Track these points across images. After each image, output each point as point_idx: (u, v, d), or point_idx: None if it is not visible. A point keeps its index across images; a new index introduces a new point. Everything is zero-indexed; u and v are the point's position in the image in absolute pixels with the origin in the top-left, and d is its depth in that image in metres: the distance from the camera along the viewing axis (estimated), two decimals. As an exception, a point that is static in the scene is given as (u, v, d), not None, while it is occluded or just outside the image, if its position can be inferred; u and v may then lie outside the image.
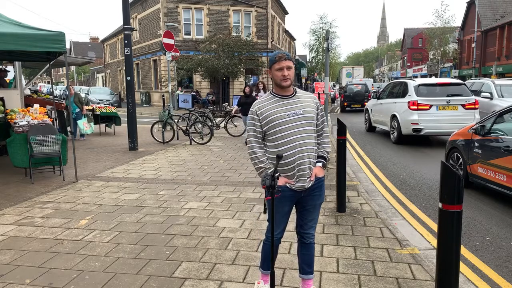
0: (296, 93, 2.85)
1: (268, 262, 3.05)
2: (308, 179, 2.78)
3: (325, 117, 2.97)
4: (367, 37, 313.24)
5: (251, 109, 2.86)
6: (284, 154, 2.71)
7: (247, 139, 2.88)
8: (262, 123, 2.78)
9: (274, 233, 2.93)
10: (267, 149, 2.82)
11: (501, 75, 32.68)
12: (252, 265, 3.65)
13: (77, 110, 11.93)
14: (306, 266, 3.03)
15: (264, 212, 2.91)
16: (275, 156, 2.76)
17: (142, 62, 33.87)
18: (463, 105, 10.39)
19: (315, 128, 2.86)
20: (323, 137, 2.95)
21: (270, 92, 2.87)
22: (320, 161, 2.88)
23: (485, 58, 36.60)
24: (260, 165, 2.78)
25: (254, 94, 11.59)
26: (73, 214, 5.16)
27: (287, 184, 2.77)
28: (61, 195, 6.04)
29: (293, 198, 2.84)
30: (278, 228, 2.90)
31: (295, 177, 2.76)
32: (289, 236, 4.09)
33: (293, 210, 2.99)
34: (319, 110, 2.89)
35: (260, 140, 2.83)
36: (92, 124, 12.66)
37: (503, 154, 5.44)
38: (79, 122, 11.98)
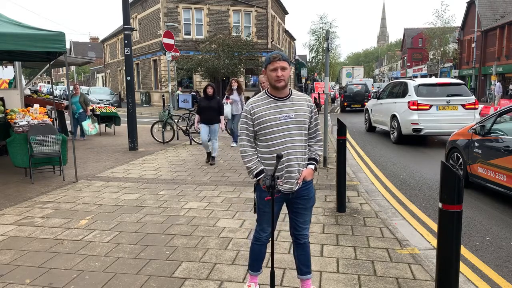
0: (291, 95, 2.83)
1: (258, 262, 3.06)
2: (296, 182, 2.79)
3: (319, 120, 2.94)
4: (367, 37, 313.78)
5: (244, 107, 2.85)
6: (274, 155, 2.73)
7: (240, 137, 2.87)
8: (255, 123, 2.78)
9: (263, 234, 2.95)
10: (258, 149, 2.84)
11: (501, 75, 32.70)
12: (252, 265, 3.65)
13: (81, 110, 11.92)
14: (303, 267, 3.04)
15: (254, 212, 2.93)
16: (265, 155, 2.78)
17: (142, 62, 33.88)
18: (463, 105, 10.40)
19: (306, 132, 2.84)
20: (316, 140, 2.94)
21: (265, 92, 2.85)
22: (311, 163, 2.88)
23: (485, 58, 36.58)
24: (248, 165, 2.81)
25: (225, 98, 10.33)
26: (73, 214, 5.16)
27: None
28: (61, 195, 6.04)
29: (281, 199, 2.85)
30: (269, 228, 2.92)
31: (283, 178, 2.78)
32: (289, 236, 4.07)
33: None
34: (313, 114, 2.87)
35: (252, 140, 2.84)
36: (96, 124, 12.65)
37: (503, 154, 5.44)
38: (83, 123, 11.98)
